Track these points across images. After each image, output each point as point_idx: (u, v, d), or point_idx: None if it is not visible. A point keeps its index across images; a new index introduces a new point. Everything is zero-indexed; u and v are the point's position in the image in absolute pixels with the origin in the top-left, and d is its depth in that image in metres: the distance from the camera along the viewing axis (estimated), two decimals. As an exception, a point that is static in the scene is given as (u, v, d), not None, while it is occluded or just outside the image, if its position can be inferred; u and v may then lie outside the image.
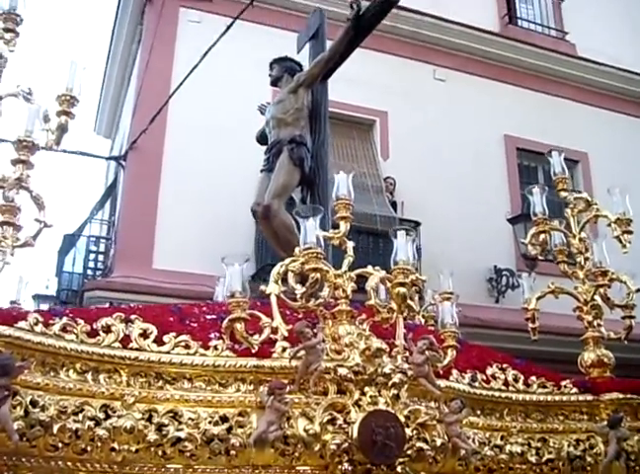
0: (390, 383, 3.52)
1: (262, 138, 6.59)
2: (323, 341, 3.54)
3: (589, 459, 4.20)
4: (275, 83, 6.61)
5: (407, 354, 3.76)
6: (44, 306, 11.93)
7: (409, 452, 3.43)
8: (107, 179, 14.13)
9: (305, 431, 3.28)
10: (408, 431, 3.44)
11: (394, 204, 10.48)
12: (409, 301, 5.85)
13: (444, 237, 10.13)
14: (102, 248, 11.12)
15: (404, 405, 3.53)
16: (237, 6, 8.71)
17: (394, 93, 11.18)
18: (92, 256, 11.02)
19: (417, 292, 6.18)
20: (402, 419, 3.45)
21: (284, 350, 3.51)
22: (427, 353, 3.72)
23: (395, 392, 3.53)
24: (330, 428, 3.31)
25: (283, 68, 6.50)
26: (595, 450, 4.24)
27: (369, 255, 8.72)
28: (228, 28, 7.94)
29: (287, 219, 5.62)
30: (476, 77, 12.01)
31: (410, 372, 3.62)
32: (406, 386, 3.59)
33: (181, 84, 8.93)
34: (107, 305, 7.29)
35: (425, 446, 3.48)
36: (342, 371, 3.44)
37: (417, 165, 10.83)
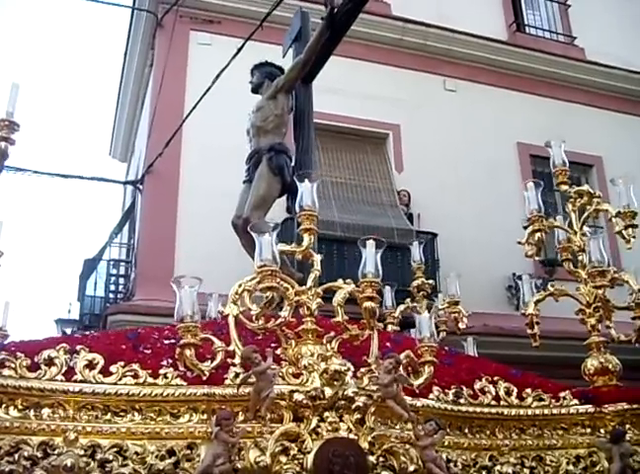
0: (354, 407, 3.25)
1: None
2: (279, 364, 3.30)
3: (590, 478, 3.87)
4: (255, 90, 6.29)
5: (377, 373, 3.49)
6: (67, 330, 12.00)
7: (373, 481, 3.15)
8: (124, 202, 14.19)
9: (256, 462, 3.03)
10: (372, 458, 3.17)
11: (410, 217, 10.34)
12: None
13: (462, 247, 10.02)
14: (122, 271, 11.15)
15: (369, 430, 3.25)
16: (246, 26, 8.67)
17: (406, 105, 11.16)
18: (113, 279, 11.06)
19: (425, 297, 5.99)
20: (365, 445, 3.17)
21: (237, 375, 3.26)
22: (397, 371, 3.42)
23: (359, 416, 3.25)
24: (282, 458, 3.06)
25: (264, 74, 6.22)
26: (597, 468, 3.92)
27: (386, 268, 8.50)
28: (238, 51, 7.77)
29: None
30: (486, 86, 11.97)
31: (376, 394, 3.33)
32: (373, 409, 3.31)
33: (194, 107, 8.86)
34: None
35: (391, 475, 3.20)
36: (297, 397, 3.17)
37: (431, 176, 10.74)
